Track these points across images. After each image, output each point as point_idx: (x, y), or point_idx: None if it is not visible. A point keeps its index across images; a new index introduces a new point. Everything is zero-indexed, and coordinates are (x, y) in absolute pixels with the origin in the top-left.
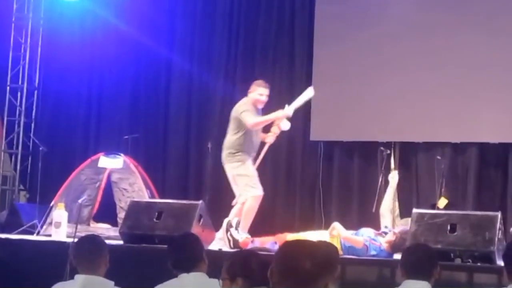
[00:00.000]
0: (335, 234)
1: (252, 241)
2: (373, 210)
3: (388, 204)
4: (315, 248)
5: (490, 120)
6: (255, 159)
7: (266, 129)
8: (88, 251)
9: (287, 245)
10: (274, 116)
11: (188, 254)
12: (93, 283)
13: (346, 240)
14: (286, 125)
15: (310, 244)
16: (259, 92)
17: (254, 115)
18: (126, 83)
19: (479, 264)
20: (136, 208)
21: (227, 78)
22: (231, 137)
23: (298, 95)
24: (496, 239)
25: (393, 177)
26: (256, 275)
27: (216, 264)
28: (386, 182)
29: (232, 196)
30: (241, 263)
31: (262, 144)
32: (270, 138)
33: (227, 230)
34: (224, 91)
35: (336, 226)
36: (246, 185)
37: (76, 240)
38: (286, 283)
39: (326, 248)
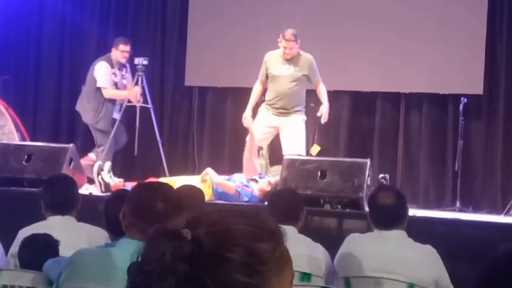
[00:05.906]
0: (207, 179)
1: (123, 185)
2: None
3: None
4: (166, 190)
5: (361, 70)
6: None
7: None
8: None
9: (139, 187)
10: None
11: (65, 197)
12: None
13: (218, 185)
14: None
15: (162, 186)
16: None
17: None
18: None
19: (348, 210)
20: (4, 150)
21: (102, 19)
22: None
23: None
24: (365, 185)
25: None
26: None
27: (86, 208)
28: None
29: None
30: None
31: None
32: None
33: (98, 174)
34: (99, 33)
35: (209, 171)
36: None
37: None
38: (138, 225)
39: (188, 192)
